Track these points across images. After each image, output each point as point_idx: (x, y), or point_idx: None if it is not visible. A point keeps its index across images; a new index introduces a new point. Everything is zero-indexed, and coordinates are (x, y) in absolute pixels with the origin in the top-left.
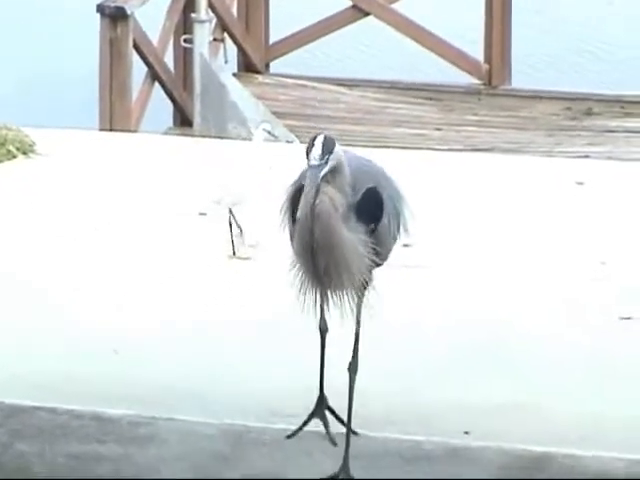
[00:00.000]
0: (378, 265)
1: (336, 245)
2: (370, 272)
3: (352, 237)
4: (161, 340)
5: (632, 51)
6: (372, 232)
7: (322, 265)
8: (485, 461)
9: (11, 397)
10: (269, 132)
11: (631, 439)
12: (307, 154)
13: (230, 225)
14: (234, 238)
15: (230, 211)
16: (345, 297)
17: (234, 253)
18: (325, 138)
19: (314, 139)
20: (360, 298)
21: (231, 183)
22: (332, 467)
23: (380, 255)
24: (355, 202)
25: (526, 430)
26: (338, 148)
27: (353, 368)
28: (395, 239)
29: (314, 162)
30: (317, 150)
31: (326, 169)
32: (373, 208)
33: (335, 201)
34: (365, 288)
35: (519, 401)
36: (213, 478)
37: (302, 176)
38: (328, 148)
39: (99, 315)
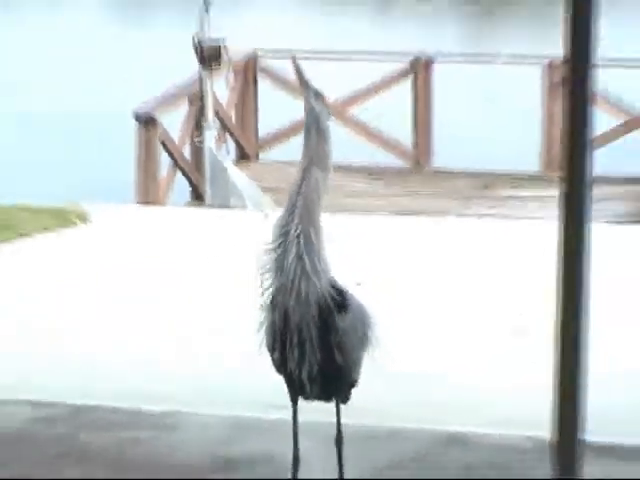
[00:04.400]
0: (345, 376)
1: (313, 219)
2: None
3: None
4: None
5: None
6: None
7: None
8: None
9: None
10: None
11: None
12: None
13: None
14: None
15: None
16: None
17: None
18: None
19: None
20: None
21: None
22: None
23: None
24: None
25: None
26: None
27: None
28: (361, 347)
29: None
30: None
31: (313, 100)
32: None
33: (319, 186)
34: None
35: None
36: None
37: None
38: (316, 93)
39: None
